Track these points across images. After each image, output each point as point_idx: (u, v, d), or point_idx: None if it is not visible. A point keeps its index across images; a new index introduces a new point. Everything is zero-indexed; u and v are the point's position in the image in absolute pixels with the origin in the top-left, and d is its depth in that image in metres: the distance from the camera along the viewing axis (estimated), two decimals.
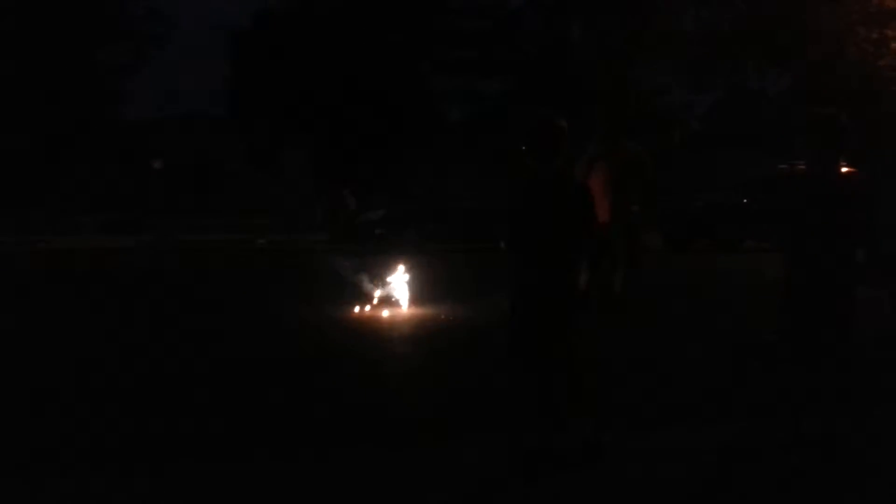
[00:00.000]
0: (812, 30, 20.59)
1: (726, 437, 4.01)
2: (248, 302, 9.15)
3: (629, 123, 10.03)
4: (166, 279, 11.57)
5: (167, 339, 6.75)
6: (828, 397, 3.67)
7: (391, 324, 7.43)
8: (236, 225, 22.27)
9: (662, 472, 3.57)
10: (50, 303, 9.02)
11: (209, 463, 3.72)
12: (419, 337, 6.91)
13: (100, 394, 4.91)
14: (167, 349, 6.30)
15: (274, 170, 31.34)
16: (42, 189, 24.53)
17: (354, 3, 33.37)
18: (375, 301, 8.09)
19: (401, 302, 8.06)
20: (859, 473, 3.56)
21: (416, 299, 8.14)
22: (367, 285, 8.38)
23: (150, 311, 8.35)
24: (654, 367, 5.54)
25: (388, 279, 8.23)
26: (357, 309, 7.90)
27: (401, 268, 8.27)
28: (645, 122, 23.51)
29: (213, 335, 6.94)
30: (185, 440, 4.03)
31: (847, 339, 3.66)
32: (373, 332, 7.00)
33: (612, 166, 7.44)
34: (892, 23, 19.89)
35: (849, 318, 3.66)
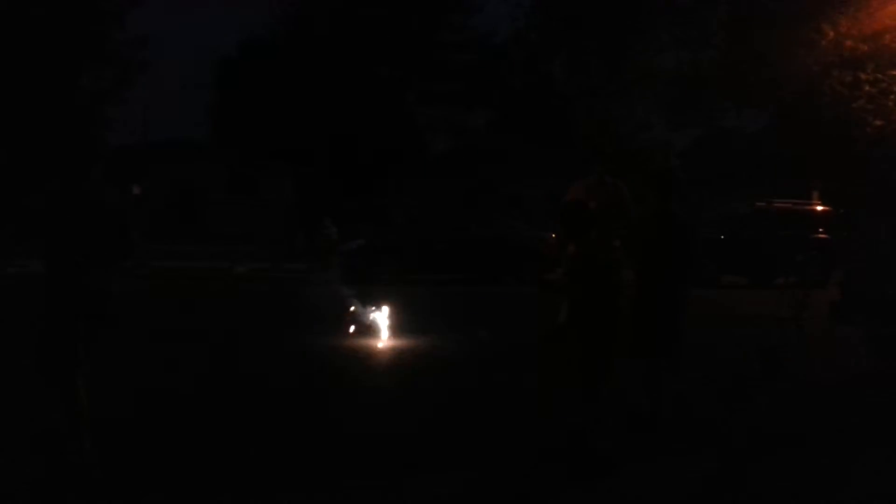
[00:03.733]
0: (787, 72, 21.04)
1: None
2: (221, 331, 8.99)
3: (611, 159, 10.11)
4: (138, 306, 11.37)
5: (143, 368, 6.60)
6: None
7: (365, 355, 7.34)
8: (216, 252, 22.05)
9: None
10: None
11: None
12: (395, 368, 6.82)
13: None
14: (147, 378, 6.16)
15: (256, 197, 31.25)
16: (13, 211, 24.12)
17: (341, 34, 33.66)
18: (348, 331, 8.01)
19: (373, 333, 7.98)
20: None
21: (389, 330, 8.05)
22: (342, 315, 8.30)
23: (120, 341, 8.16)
24: None
25: (361, 310, 8.18)
26: (329, 338, 7.81)
27: (374, 300, 8.22)
28: (626, 158, 23.75)
29: (190, 365, 6.80)
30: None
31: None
32: (350, 363, 6.90)
33: (594, 201, 7.44)
34: (866, 66, 20.37)
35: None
